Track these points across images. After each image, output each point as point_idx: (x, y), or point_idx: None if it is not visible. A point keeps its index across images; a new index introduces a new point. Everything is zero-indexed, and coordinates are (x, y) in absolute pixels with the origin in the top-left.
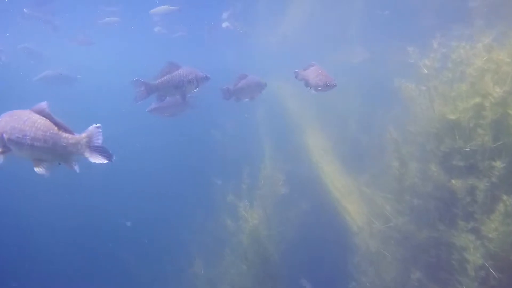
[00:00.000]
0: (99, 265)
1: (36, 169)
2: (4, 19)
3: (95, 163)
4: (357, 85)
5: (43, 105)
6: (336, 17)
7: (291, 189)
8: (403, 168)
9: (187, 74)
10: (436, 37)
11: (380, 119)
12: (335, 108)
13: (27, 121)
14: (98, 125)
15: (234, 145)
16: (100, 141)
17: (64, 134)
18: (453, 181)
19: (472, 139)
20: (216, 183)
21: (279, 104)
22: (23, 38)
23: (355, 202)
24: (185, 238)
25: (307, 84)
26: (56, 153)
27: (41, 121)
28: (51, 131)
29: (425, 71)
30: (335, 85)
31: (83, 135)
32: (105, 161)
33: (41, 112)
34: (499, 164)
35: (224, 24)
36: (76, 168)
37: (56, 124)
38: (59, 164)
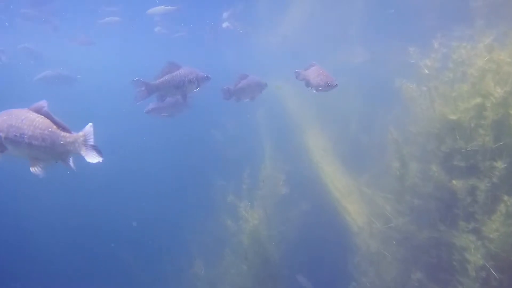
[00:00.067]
0: (99, 265)
1: (32, 169)
2: (4, 19)
3: (90, 161)
4: (357, 85)
5: (42, 103)
6: (337, 17)
7: (291, 189)
8: (403, 169)
9: (187, 74)
10: (437, 37)
11: (380, 119)
12: (336, 108)
13: (25, 119)
14: (91, 123)
15: (235, 145)
16: (92, 140)
17: (62, 133)
18: (454, 182)
19: (473, 140)
20: (217, 183)
21: (280, 104)
22: (23, 38)
23: (355, 202)
24: (185, 238)
25: (308, 84)
26: (53, 151)
27: (39, 119)
28: (50, 129)
29: (426, 71)
30: (336, 85)
31: (80, 133)
32: (99, 159)
33: (39, 111)
34: (500, 164)
35: (224, 24)
36: (73, 166)
37: (54, 122)
38: (56, 162)
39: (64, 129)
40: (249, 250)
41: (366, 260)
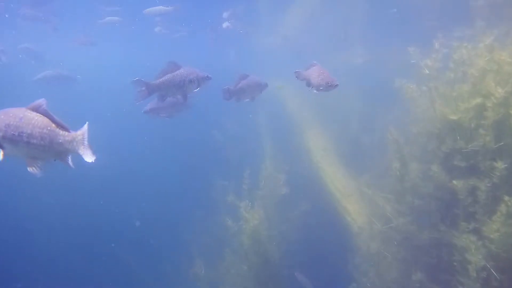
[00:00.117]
0: (99, 265)
1: (30, 169)
2: (5, 19)
3: (87, 160)
4: (358, 85)
5: (40, 102)
6: (337, 18)
7: (291, 190)
8: (404, 169)
9: (188, 74)
10: (438, 38)
11: (381, 120)
12: (336, 108)
13: (23, 118)
14: (87, 123)
15: (235, 145)
16: (87, 139)
17: (61, 132)
18: (454, 182)
19: (474, 140)
20: (217, 183)
21: (280, 104)
22: (24, 38)
23: (355, 203)
24: (185, 238)
25: (308, 83)
26: (52, 150)
27: (38, 118)
28: (48, 128)
29: (427, 71)
30: (337, 85)
31: (78, 132)
32: (93, 159)
33: (38, 109)
34: (500, 164)
35: (225, 24)
36: (72, 165)
37: (53, 121)
38: (55, 161)
39: (62, 127)
40: (250, 250)
41: (366, 261)
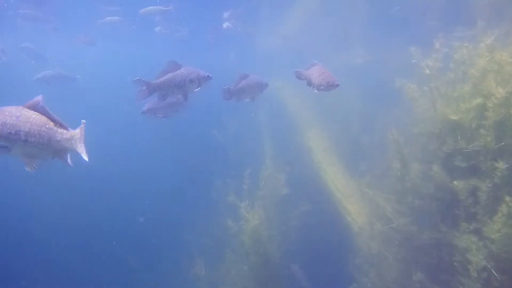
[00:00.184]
0: (99, 265)
1: (27, 167)
2: (5, 18)
3: (85, 158)
4: (359, 86)
5: (37, 99)
6: (338, 18)
7: (292, 190)
8: (404, 169)
9: (189, 73)
10: (438, 37)
11: (381, 120)
12: (337, 108)
13: (20, 117)
14: (84, 121)
15: (235, 145)
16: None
17: (60, 130)
18: (455, 182)
19: (475, 140)
20: (217, 183)
21: (281, 104)
22: (24, 37)
23: (356, 203)
24: (186, 238)
25: (309, 83)
26: (50, 148)
27: (36, 116)
28: (47, 126)
29: (427, 71)
30: (338, 84)
31: (77, 130)
32: (86, 157)
33: (35, 107)
34: (501, 165)
35: (225, 24)
36: (70, 163)
37: (51, 119)
38: (52, 159)
39: (61, 125)
40: (250, 250)
41: (366, 261)
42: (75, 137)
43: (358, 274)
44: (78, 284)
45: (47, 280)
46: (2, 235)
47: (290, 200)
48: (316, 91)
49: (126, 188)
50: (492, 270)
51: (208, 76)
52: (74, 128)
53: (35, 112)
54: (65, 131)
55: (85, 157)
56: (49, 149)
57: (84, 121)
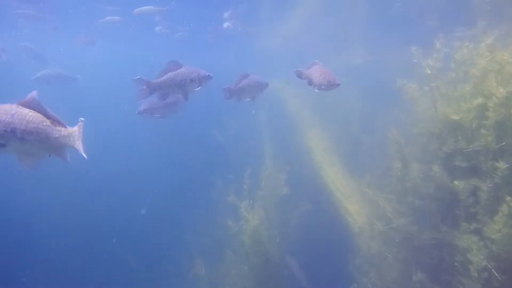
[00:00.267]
0: (99, 265)
1: (22, 165)
2: (5, 18)
3: (84, 155)
4: (359, 86)
5: (32, 94)
6: (338, 18)
7: (292, 190)
8: (404, 169)
9: (189, 72)
10: (439, 37)
11: (381, 120)
12: (337, 108)
13: (16, 114)
14: (82, 119)
15: (236, 145)
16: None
17: (57, 127)
18: (455, 182)
19: (475, 140)
20: (218, 183)
21: (281, 104)
22: (25, 37)
23: (356, 203)
24: (186, 238)
25: (310, 82)
26: (48, 145)
27: (32, 114)
28: (44, 123)
29: (428, 71)
30: (339, 84)
31: (75, 128)
32: (84, 155)
33: (31, 104)
34: (502, 165)
35: (225, 24)
36: (69, 160)
37: (48, 115)
38: (49, 156)
39: (58, 123)
40: (250, 250)
41: (367, 261)
42: (73, 134)
43: (358, 274)
44: (78, 284)
45: (47, 280)
46: (2, 235)
47: (290, 200)
48: (316, 90)
49: (126, 188)
50: (493, 270)
51: (208, 75)
52: (72, 126)
53: (31, 110)
54: (63, 128)
55: (84, 155)
56: (46, 147)
57: (82, 119)
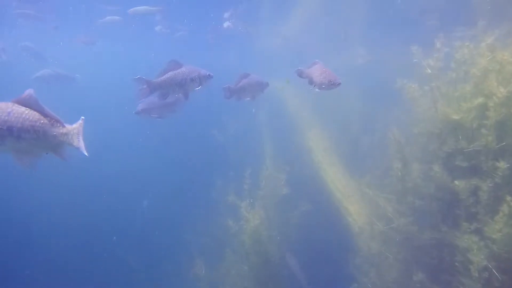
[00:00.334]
0: (99, 265)
1: (19, 164)
2: (6, 17)
3: (84, 152)
4: (359, 86)
5: (28, 92)
6: (338, 18)
7: (292, 190)
8: (405, 169)
9: (190, 72)
10: (439, 37)
11: (382, 120)
12: (337, 109)
13: (12, 113)
14: (83, 117)
15: (236, 145)
16: (82, 133)
17: (55, 124)
18: (456, 182)
19: (476, 140)
20: (218, 183)
21: (281, 104)
22: (25, 36)
23: (356, 203)
24: (186, 238)
25: (311, 82)
26: (46, 143)
27: (29, 111)
28: (42, 121)
29: (429, 71)
30: (340, 83)
31: (74, 126)
32: (85, 153)
33: (27, 102)
34: (502, 164)
35: (226, 24)
36: (67, 158)
37: (45, 113)
38: (46, 154)
39: (56, 120)
40: (250, 250)
41: (367, 261)
42: (72, 132)
43: (358, 274)
44: (78, 284)
45: (47, 280)
46: (2, 235)
47: (290, 200)
48: (317, 90)
49: (126, 188)
50: (493, 270)
51: (209, 75)
52: (71, 124)
53: (27, 108)
54: (61, 126)
55: (84, 152)
56: (44, 145)
57: (83, 117)
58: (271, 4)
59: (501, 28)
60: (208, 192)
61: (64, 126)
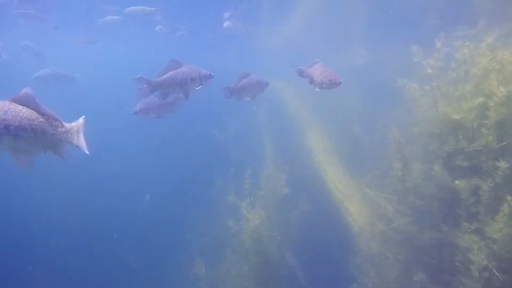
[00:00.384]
0: (100, 265)
1: (16, 162)
2: (6, 16)
3: (84, 150)
4: (359, 86)
5: (25, 91)
6: (338, 18)
7: (292, 190)
8: (405, 169)
9: (190, 71)
10: (440, 37)
11: (382, 120)
12: (337, 109)
13: (9, 111)
14: (83, 116)
15: (236, 145)
16: (83, 132)
17: (54, 122)
18: (456, 182)
19: (476, 139)
20: (218, 183)
21: (281, 104)
22: (25, 36)
23: (356, 203)
24: (186, 238)
25: (311, 81)
26: (44, 142)
27: (26, 110)
28: (39, 119)
29: (429, 70)
30: (340, 82)
31: (73, 124)
32: (86, 152)
33: (24, 100)
34: (503, 164)
35: (226, 23)
36: (65, 157)
37: (42, 112)
38: (45, 152)
39: (54, 119)
40: (250, 250)
41: (367, 261)
42: (72, 130)
43: (358, 274)
44: (78, 284)
45: (47, 280)
46: (2, 235)
47: (290, 200)
48: (318, 89)
49: (126, 187)
50: (494, 270)
51: (209, 74)
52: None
53: (24, 107)
54: (60, 124)
55: (86, 151)
56: (42, 143)
57: (84, 116)
58: (271, 4)
59: (502, 27)
60: (208, 192)
61: (63, 125)
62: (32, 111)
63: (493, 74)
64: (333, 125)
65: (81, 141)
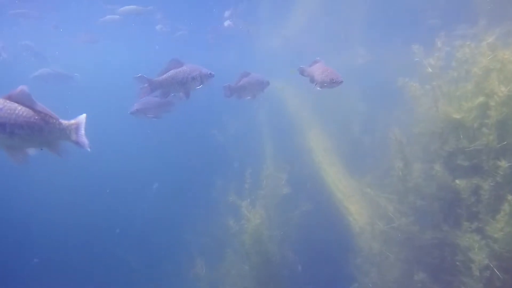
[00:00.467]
0: (100, 265)
1: (11, 159)
2: (6, 16)
3: (84, 148)
4: (359, 86)
5: (21, 88)
6: (339, 18)
7: (293, 189)
8: (406, 169)
9: (191, 71)
10: (440, 36)
11: (382, 120)
12: (337, 108)
13: (3, 109)
14: (85, 114)
15: (236, 145)
16: (83, 130)
17: (51, 120)
18: (457, 181)
19: (477, 139)
20: (218, 183)
21: (281, 104)
22: (25, 35)
23: (357, 203)
24: (186, 238)
25: (312, 80)
26: (41, 139)
27: (22, 107)
28: (36, 117)
29: (430, 70)
30: (342, 81)
31: (73, 121)
32: (88, 148)
33: (20, 98)
34: (504, 163)
35: (226, 23)
36: (63, 154)
37: (37, 109)
38: (41, 149)
39: (50, 116)
40: (251, 250)
41: (368, 261)
42: (70, 127)
43: (359, 273)
44: (78, 284)
45: (47, 280)
46: (2, 235)
47: (291, 200)
48: (319, 88)
49: (126, 187)
50: (495, 269)
51: (210, 73)
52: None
53: (19, 105)
54: (57, 122)
55: (87, 148)
56: (39, 140)
57: (85, 114)
58: (271, 4)
59: (502, 27)
60: (208, 192)
61: (60, 122)
62: (28, 108)
63: (494, 73)
64: (334, 125)
65: (81, 138)
